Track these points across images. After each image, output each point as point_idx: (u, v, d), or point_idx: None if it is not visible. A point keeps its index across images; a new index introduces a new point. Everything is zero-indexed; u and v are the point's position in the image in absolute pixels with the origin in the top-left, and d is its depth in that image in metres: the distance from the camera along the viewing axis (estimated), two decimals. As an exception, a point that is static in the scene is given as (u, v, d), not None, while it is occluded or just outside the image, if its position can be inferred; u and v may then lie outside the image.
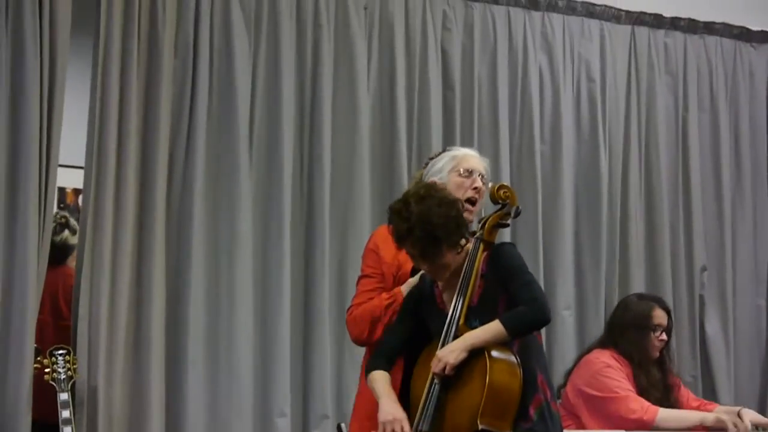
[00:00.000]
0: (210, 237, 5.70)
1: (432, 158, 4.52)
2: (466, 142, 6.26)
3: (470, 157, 4.42)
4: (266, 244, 5.80)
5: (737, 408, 5.29)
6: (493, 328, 3.89)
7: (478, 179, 4.35)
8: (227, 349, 5.64)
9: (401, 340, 4.14)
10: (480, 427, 3.82)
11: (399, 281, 4.29)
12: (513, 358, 3.92)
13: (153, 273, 5.48)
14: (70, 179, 6.81)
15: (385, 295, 4.27)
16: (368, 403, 4.23)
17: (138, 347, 5.45)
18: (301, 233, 5.91)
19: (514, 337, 3.91)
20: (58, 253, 5.37)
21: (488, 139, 6.36)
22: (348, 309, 4.37)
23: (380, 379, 4.08)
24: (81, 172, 5.48)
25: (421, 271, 4.22)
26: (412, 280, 4.26)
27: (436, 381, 3.93)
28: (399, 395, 4.05)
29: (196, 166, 5.65)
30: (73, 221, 6.03)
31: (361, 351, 4.49)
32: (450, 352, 3.90)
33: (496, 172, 6.29)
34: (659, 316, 5.27)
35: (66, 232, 5.77)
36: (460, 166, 4.36)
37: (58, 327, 5.69)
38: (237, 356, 5.64)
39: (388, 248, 4.29)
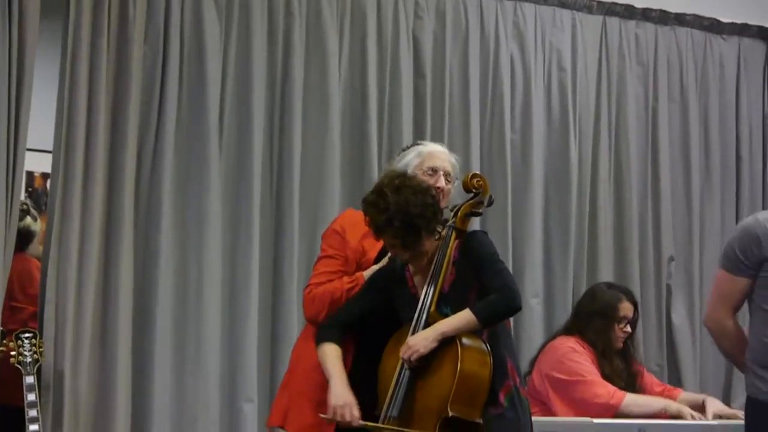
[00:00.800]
0: (179, 225, 5.69)
1: (403, 149, 4.53)
2: (437, 131, 6.29)
3: (436, 154, 4.39)
4: (235, 234, 5.80)
5: (701, 396, 5.33)
6: (465, 316, 3.91)
7: (442, 179, 4.34)
8: (194, 336, 5.65)
9: (359, 314, 4.15)
10: (450, 414, 3.84)
11: (360, 268, 4.29)
12: (483, 346, 3.94)
13: (121, 260, 5.47)
14: (38, 163, 6.79)
15: (346, 279, 4.25)
16: (303, 381, 4.23)
17: (105, 332, 5.44)
18: (271, 222, 5.91)
19: (486, 326, 3.94)
20: (20, 240, 5.36)
21: (459, 127, 6.37)
22: (306, 287, 4.34)
23: (332, 356, 4.09)
24: (50, 156, 5.47)
25: (388, 256, 4.24)
26: (375, 267, 4.26)
27: (405, 367, 3.94)
28: (348, 376, 4.05)
29: (165, 153, 5.64)
30: (33, 210, 6.02)
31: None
32: (421, 340, 3.91)
33: (467, 160, 6.30)
34: (625, 308, 5.29)
35: (28, 219, 5.76)
36: (424, 164, 4.34)
37: (10, 308, 5.67)
38: (204, 343, 5.65)
39: (354, 233, 4.30)
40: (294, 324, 5.83)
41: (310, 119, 5.99)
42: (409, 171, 4.30)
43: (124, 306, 5.46)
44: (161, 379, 5.56)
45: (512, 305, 3.96)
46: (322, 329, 4.16)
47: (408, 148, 4.50)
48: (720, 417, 5.14)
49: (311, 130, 5.99)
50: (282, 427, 4.35)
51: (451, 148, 6.28)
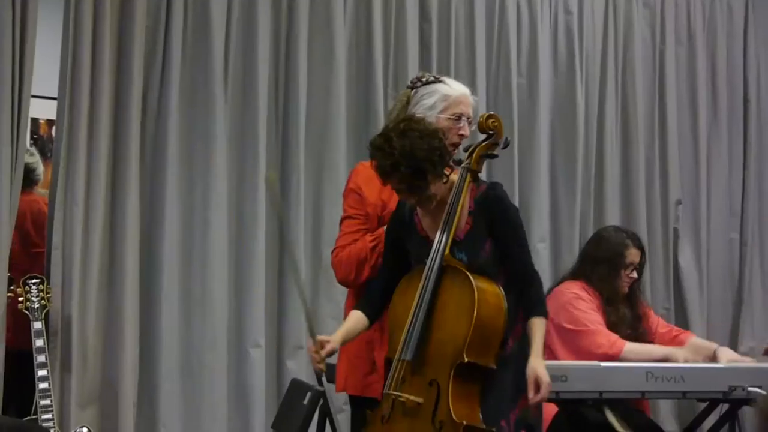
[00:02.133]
0: (184, 171, 5.68)
1: (422, 81, 4.36)
2: (443, 74, 6.23)
3: (462, 99, 4.31)
4: (241, 179, 5.79)
5: (713, 345, 5.29)
6: (540, 326, 3.98)
7: (466, 126, 4.29)
8: (201, 280, 5.66)
9: (388, 275, 4.13)
10: (466, 360, 3.85)
11: (383, 221, 4.26)
12: (499, 291, 3.94)
13: (127, 204, 5.47)
14: (43, 110, 6.79)
15: (369, 237, 4.25)
16: (354, 343, 4.24)
17: (112, 278, 5.46)
18: (277, 168, 5.90)
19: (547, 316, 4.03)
20: (24, 178, 5.36)
21: (465, 72, 6.34)
22: (333, 251, 4.33)
23: (349, 317, 4.12)
24: (54, 103, 5.46)
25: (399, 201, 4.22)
26: None
27: (420, 309, 3.94)
28: None
29: (170, 100, 5.62)
30: (34, 151, 6.01)
31: (334, 282, 4.51)
32: (543, 375, 3.96)
33: (476, 108, 6.26)
34: (632, 255, 5.26)
35: (27, 156, 5.75)
36: (451, 110, 4.26)
37: (29, 255, 5.69)
38: (211, 287, 5.65)
39: (371, 188, 4.28)
40: (301, 270, 5.83)
41: (315, 65, 5.97)
42: (433, 113, 4.23)
43: (131, 251, 5.46)
44: (168, 324, 5.57)
45: (541, 284, 4.07)
46: (361, 299, 4.18)
47: (427, 83, 4.35)
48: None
49: (316, 76, 5.97)
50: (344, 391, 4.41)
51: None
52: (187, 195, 5.69)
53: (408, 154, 3.89)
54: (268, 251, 5.81)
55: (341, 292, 5.64)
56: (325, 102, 5.96)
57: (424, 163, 3.91)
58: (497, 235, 3.99)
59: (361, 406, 4.26)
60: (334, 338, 4.04)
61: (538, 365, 3.91)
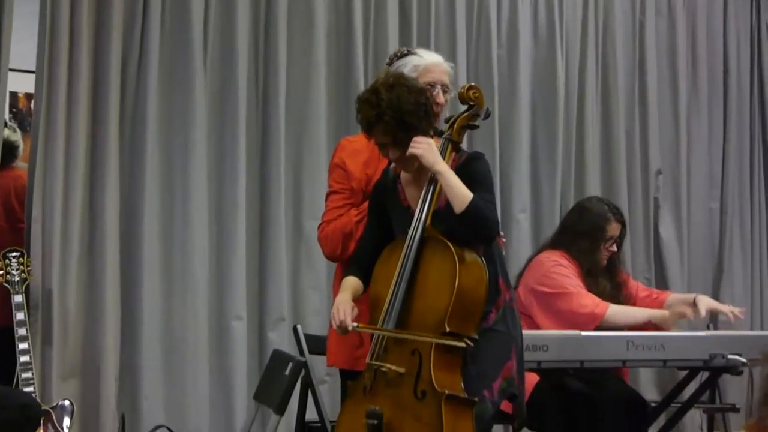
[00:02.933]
0: (164, 143, 5.67)
1: (397, 56, 4.39)
2: (423, 46, 6.23)
3: (433, 68, 4.30)
4: (221, 150, 5.78)
5: (692, 295, 5.33)
6: (464, 192, 3.86)
7: (440, 93, 4.28)
8: (182, 253, 5.65)
9: (371, 243, 4.11)
10: (447, 330, 3.84)
11: (368, 196, 4.24)
12: (480, 262, 3.93)
13: (107, 177, 5.46)
14: (22, 84, 6.76)
15: (354, 212, 4.26)
16: None
17: (92, 250, 5.45)
18: (257, 137, 5.89)
19: (460, 218, 3.87)
20: (6, 154, 5.34)
21: (445, 44, 6.34)
22: (319, 226, 4.34)
23: (345, 282, 4.08)
24: (32, 76, 5.43)
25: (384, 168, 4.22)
26: None
27: (401, 280, 3.94)
28: None
29: (149, 70, 5.60)
30: (11, 123, 5.98)
31: (315, 254, 4.52)
32: (429, 154, 3.88)
33: (454, 76, 6.24)
34: (613, 229, 5.25)
35: (6, 131, 5.73)
36: (422, 78, 4.23)
37: (14, 230, 5.66)
38: (192, 260, 5.65)
39: (355, 163, 4.28)
40: (282, 240, 5.84)
41: (295, 42, 5.96)
42: None
43: (111, 224, 5.45)
44: (150, 296, 5.57)
45: (492, 231, 3.94)
46: (346, 266, 4.17)
47: (401, 56, 4.38)
48: (713, 312, 5.15)
49: (296, 53, 5.96)
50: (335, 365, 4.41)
51: (438, 64, 6.30)
52: (167, 169, 5.67)
53: (395, 105, 3.89)
54: (249, 224, 5.80)
55: (322, 264, 5.66)
56: (305, 79, 5.95)
57: (409, 116, 3.90)
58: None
59: (350, 380, 4.26)
60: (343, 300, 3.98)
61: (438, 160, 3.90)
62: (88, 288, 5.43)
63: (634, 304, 5.26)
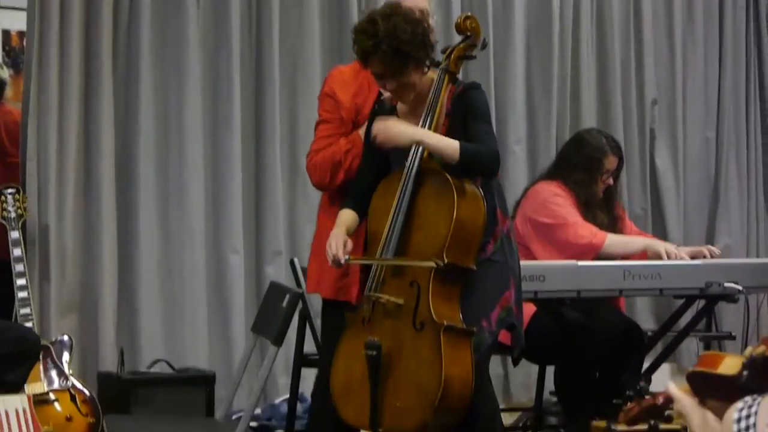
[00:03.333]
0: (158, 80, 5.64)
1: None
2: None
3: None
4: (216, 85, 5.76)
5: (674, 246, 5.35)
6: (450, 144, 3.87)
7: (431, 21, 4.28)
8: (178, 188, 5.65)
9: (368, 175, 4.10)
10: (446, 261, 3.85)
11: (357, 126, 4.24)
12: (478, 192, 3.93)
13: (101, 113, 5.45)
14: (14, 22, 6.72)
15: (343, 141, 4.23)
16: (318, 239, 4.27)
17: (88, 186, 5.45)
18: (251, 73, 5.86)
19: (461, 165, 3.90)
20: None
21: (439, -26, 6.29)
22: (308, 155, 4.32)
23: (341, 216, 4.07)
24: (24, 14, 5.39)
25: (380, 97, 4.20)
26: None
27: (399, 211, 3.94)
28: None
29: (142, 5, 5.57)
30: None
31: (311, 187, 4.50)
32: (395, 133, 3.91)
33: (447, 9, 6.24)
34: (610, 162, 5.25)
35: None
36: (405, 3, 4.23)
37: (5, 165, 5.66)
38: (189, 194, 5.65)
39: (345, 92, 4.26)
40: (278, 174, 5.84)
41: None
42: None
43: (107, 159, 5.45)
44: (147, 230, 5.57)
45: (493, 166, 3.95)
46: (345, 199, 4.15)
47: None
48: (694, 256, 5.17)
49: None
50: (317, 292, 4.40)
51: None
52: (162, 105, 5.66)
53: (391, 34, 3.87)
54: (245, 159, 5.79)
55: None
56: (299, 11, 5.91)
57: (406, 46, 3.88)
58: (465, 125, 3.97)
59: (333, 309, 4.26)
60: (338, 234, 3.99)
61: (416, 130, 3.92)
62: (84, 224, 5.43)
63: None
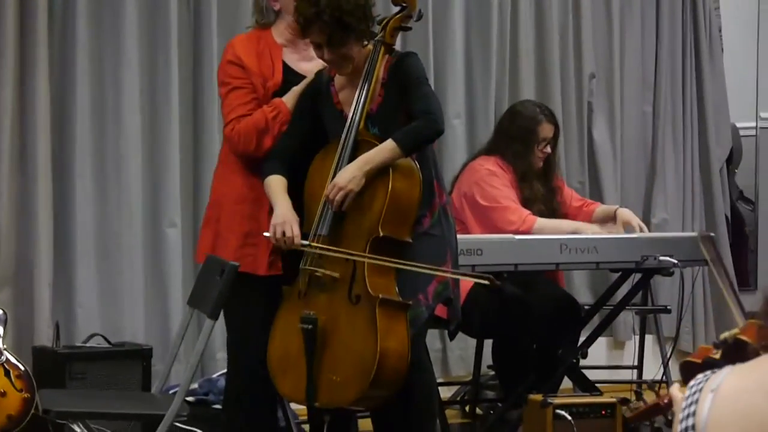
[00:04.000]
0: (94, 47, 5.57)
1: None
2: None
3: None
4: (153, 49, 5.68)
5: (614, 207, 5.39)
6: (389, 147, 3.88)
7: None
8: (115, 160, 5.59)
9: (297, 141, 4.09)
10: (381, 234, 3.85)
11: (267, 94, 4.18)
12: (413, 164, 3.93)
13: (37, 84, 5.39)
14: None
15: (267, 108, 4.15)
16: (230, 215, 4.19)
17: (24, 159, 5.40)
18: (189, 36, 5.80)
19: (410, 154, 3.92)
20: None
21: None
22: (227, 122, 4.21)
23: (276, 185, 4.03)
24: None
25: (305, 80, 4.18)
26: (296, 89, 4.17)
27: (329, 207, 3.92)
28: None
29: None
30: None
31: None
32: (349, 180, 3.87)
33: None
34: (545, 130, 5.27)
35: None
36: None
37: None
38: (126, 167, 5.59)
39: (250, 59, 4.18)
40: (215, 146, 5.78)
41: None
42: None
43: (42, 132, 5.39)
44: (83, 203, 5.52)
45: (434, 129, 3.94)
46: (264, 163, 4.10)
47: None
48: (629, 225, 5.20)
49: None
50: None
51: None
52: (98, 74, 5.59)
53: (334, 4, 3.86)
54: (182, 131, 5.75)
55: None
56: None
57: (348, 16, 3.87)
58: (401, 93, 3.97)
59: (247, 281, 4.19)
60: (291, 217, 3.96)
61: (349, 169, 3.89)
62: (20, 196, 5.38)
63: (566, 213, 5.31)
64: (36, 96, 5.39)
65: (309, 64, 4.25)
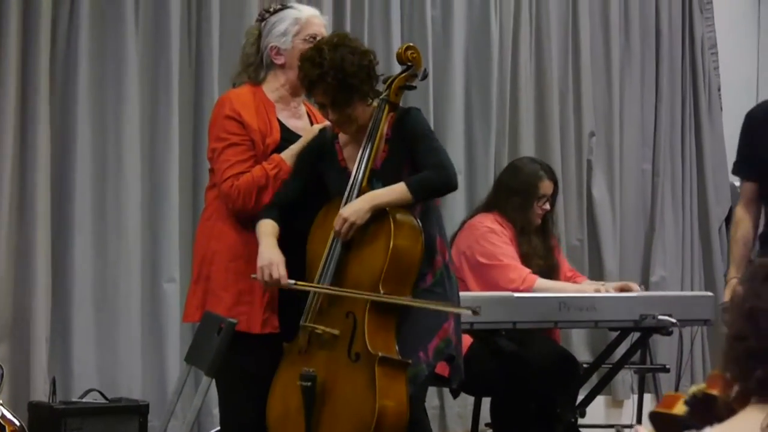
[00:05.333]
0: (96, 101, 5.59)
1: (270, 12, 4.30)
2: (357, 6, 6.23)
3: (314, 20, 4.25)
4: (154, 106, 5.70)
5: (600, 283, 5.37)
6: (398, 189, 3.89)
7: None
8: (115, 214, 5.58)
9: (296, 192, 4.08)
10: (381, 292, 3.85)
11: (265, 151, 4.16)
12: (416, 223, 3.93)
13: (37, 134, 5.38)
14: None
15: (268, 165, 4.13)
16: (219, 272, 4.16)
17: (23, 210, 5.38)
18: (190, 92, 5.82)
19: (418, 201, 3.92)
20: None
21: (379, 3, 6.31)
22: (225, 180, 4.14)
23: (265, 228, 4.02)
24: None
25: (306, 128, 4.19)
26: (294, 147, 4.17)
27: (337, 240, 3.92)
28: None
29: (80, 23, 5.53)
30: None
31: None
32: (355, 211, 3.88)
33: (387, 37, 6.26)
34: (545, 187, 5.28)
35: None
36: (304, 32, 4.19)
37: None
38: (125, 221, 5.58)
39: (250, 115, 4.16)
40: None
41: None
42: (288, 39, 4.17)
43: (42, 183, 5.39)
44: (81, 257, 5.50)
45: (447, 183, 3.95)
46: (261, 210, 4.08)
47: (276, 11, 4.28)
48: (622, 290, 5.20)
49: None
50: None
51: (372, 23, 6.29)
52: (99, 125, 5.59)
53: (338, 66, 3.88)
54: (182, 185, 5.75)
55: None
56: (239, 24, 5.86)
57: (351, 78, 3.89)
58: (407, 149, 3.97)
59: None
60: (277, 258, 3.95)
61: (356, 202, 3.91)
62: (17, 248, 5.36)
63: (559, 275, 5.31)
64: (36, 147, 5.38)
65: (299, 121, 4.26)
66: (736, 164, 4.90)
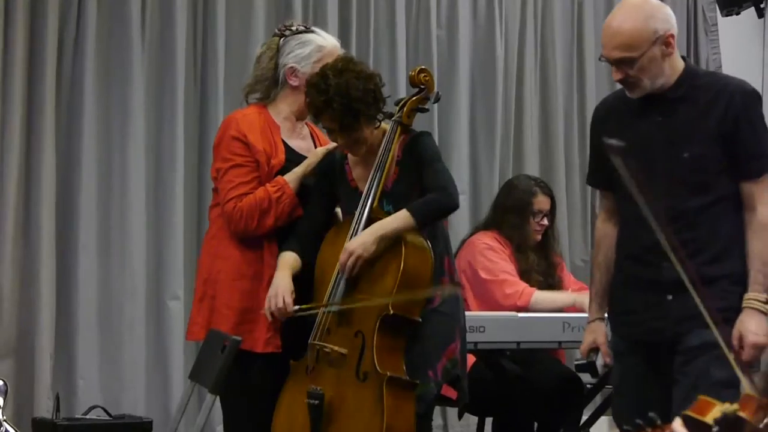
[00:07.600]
0: (101, 119, 5.62)
1: (292, 30, 4.26)
2: (363, 26, 6.24)
3: (335, 51, 4.21)
4: (159, 125, 5.74)
5: None
6: (402, 217, 3.89)
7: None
8: (120, 232, 5.61)
9: (317, 223, 4.10)
10: (391, 312, 3.85)
11: (271, 173, 4.15)
12: (425, 243, 3.94)
13: (42, 153, 5.42)
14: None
15: (271, 188, 4.10)
16: (226, 291, 4.15)
17: (28, 228, 5.41)
18: (195, 112, 5.85)
19: (423, 226, 3.93)
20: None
21: (384, 23, 6.33)
22: (228, 201, 4.12)
23: (282, 258, 4.02)
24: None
25: (323, 150, 4.20)
26: (298, 170, 4.15)
27: (341, 274, 3.92)
28: None
29: (86, 43, 5.54)
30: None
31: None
32: (360, 245, 3.88)
33: (393, 57, 6.28)
34: (540, 202, 5.28)
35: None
36: (324, 60, 4.14)
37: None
38: (129, 239, 5.61)
39: (255, 135, 4.14)
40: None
41: (233, 7, 5.92)
42: (308, 63, 4.15)
43: (47, 201, 5.42)
44: (86, 275, 5.52)
45: (448, 204, 3.96)
46: (284, 243, 4.07)
47: (297, 31, 4.25)
48: None
49: (235, 15, 5.91)
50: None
51: (377, 43, 6.31)
52: (105, 143, 5.63)
53: (343, 92, 3.88)
54: (187, 203, 5.77)
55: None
56: (244, 47, 5.89)
57: (357, 103, 3.89)
58: (417, 172, 3.99)
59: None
60: (284, 287, 3.95)
61: (362, 234, 3.90)
62: (23, 265, 5.38)
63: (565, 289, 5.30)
64: (41, 166, 5.40)
65: (303, 143, 4.26)
66: (588, 174, 4.06)
